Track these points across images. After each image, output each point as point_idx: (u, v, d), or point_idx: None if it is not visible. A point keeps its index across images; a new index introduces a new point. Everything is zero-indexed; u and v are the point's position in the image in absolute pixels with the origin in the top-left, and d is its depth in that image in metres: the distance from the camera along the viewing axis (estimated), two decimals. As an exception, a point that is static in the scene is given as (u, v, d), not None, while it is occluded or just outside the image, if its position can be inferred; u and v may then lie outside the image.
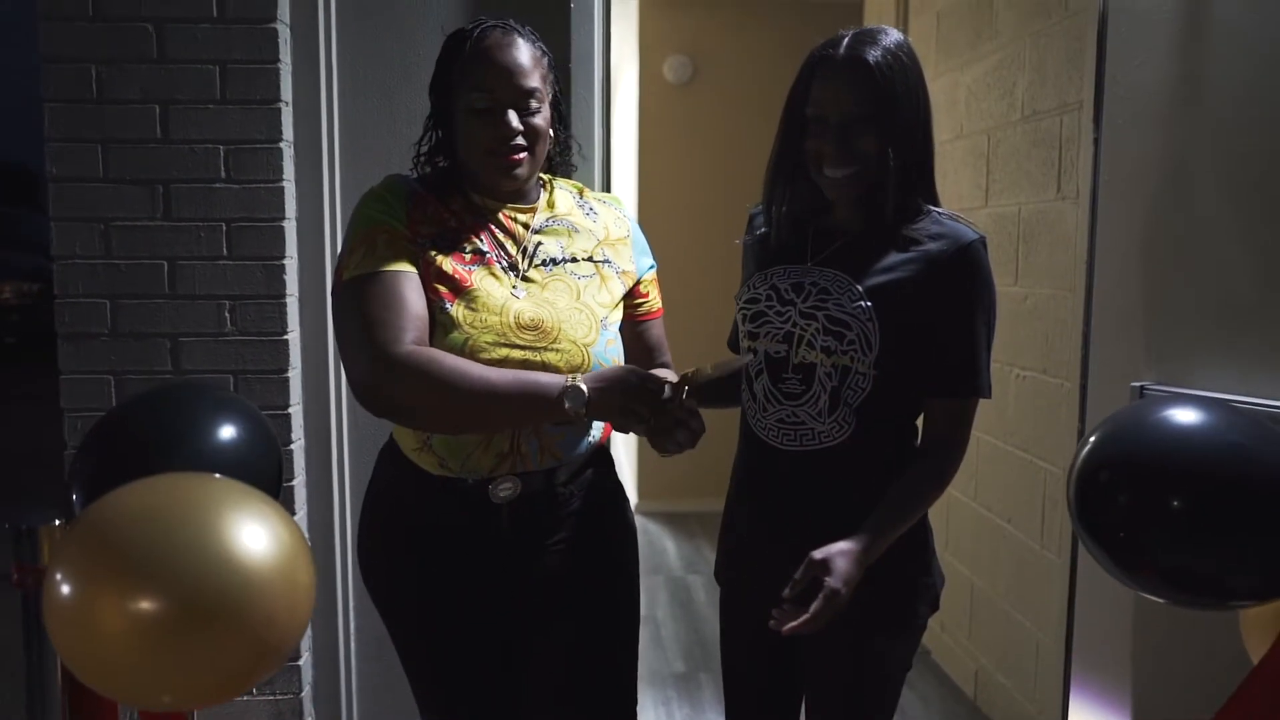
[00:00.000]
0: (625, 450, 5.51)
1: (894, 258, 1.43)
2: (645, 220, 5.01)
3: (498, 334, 1.38)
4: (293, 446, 2.12)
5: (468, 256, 1.43)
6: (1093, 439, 1.40)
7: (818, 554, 1.32)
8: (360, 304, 1.35)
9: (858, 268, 1.45)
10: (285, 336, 2.09)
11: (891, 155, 1.40)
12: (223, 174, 2.04)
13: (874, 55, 1.39)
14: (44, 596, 1.24)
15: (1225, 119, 1.81)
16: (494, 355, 1.37)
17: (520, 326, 1.40)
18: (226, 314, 2.07)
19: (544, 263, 1.47)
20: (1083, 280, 2.12)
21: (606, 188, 2.20)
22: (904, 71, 1.41)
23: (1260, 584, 1.26)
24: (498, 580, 1.48)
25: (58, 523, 1.30)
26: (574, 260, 1.49)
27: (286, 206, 2.07)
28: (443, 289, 1.39)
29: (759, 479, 1.52)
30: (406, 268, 1.38)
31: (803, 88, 1.45)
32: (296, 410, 2.13)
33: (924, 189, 1.48)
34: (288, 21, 2.07)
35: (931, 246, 1.42)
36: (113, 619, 1.25)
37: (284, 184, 2.06)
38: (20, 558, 1.26)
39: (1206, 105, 1.83)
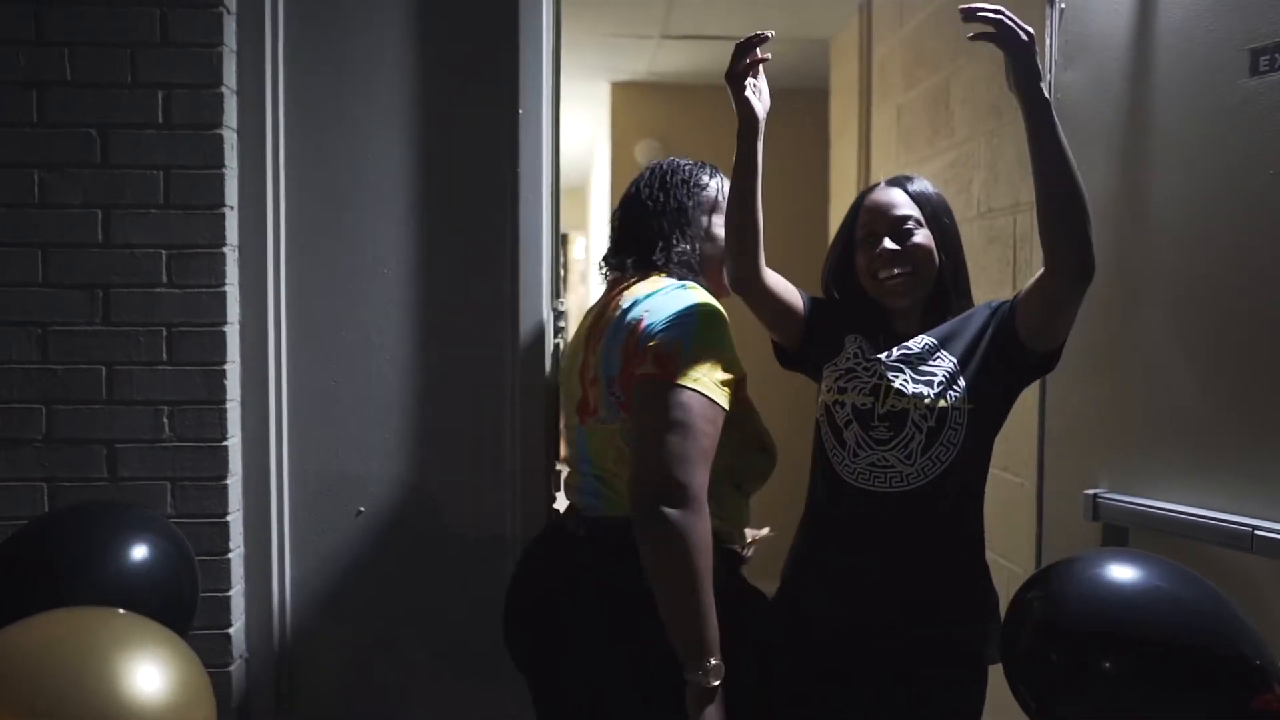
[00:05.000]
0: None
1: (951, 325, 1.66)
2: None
3: None
4: (230, 555, 2.06)
5: None
6: (1020, 603, 1.48)
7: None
8: (697, 421, 1.48)
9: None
10: (225, 443, 2.04)
11: (939, 254, 1.64)
12: (164, 279, 2.02)
13: (909, 184, 1.67)
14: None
15: (1167, 231, 1.81)
16: None
17: None
18: (165, 420, 2.03)
19: None
20: (1036, 384, 2.10)
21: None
22: (935, 192, 1.68)
23: None
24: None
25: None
26: None
27: (229, 311, 2.04)
28: None
29: (842, 519, 1.63)
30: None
31: (851, 215, 1.71)
32: (235, 518, 2.08)
33: (966, 291, 1.71)
34: (234, 127, 2.06)
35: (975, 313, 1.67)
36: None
37: (226, 288, 2.03)
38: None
39: (1149, 215, 1.84)
